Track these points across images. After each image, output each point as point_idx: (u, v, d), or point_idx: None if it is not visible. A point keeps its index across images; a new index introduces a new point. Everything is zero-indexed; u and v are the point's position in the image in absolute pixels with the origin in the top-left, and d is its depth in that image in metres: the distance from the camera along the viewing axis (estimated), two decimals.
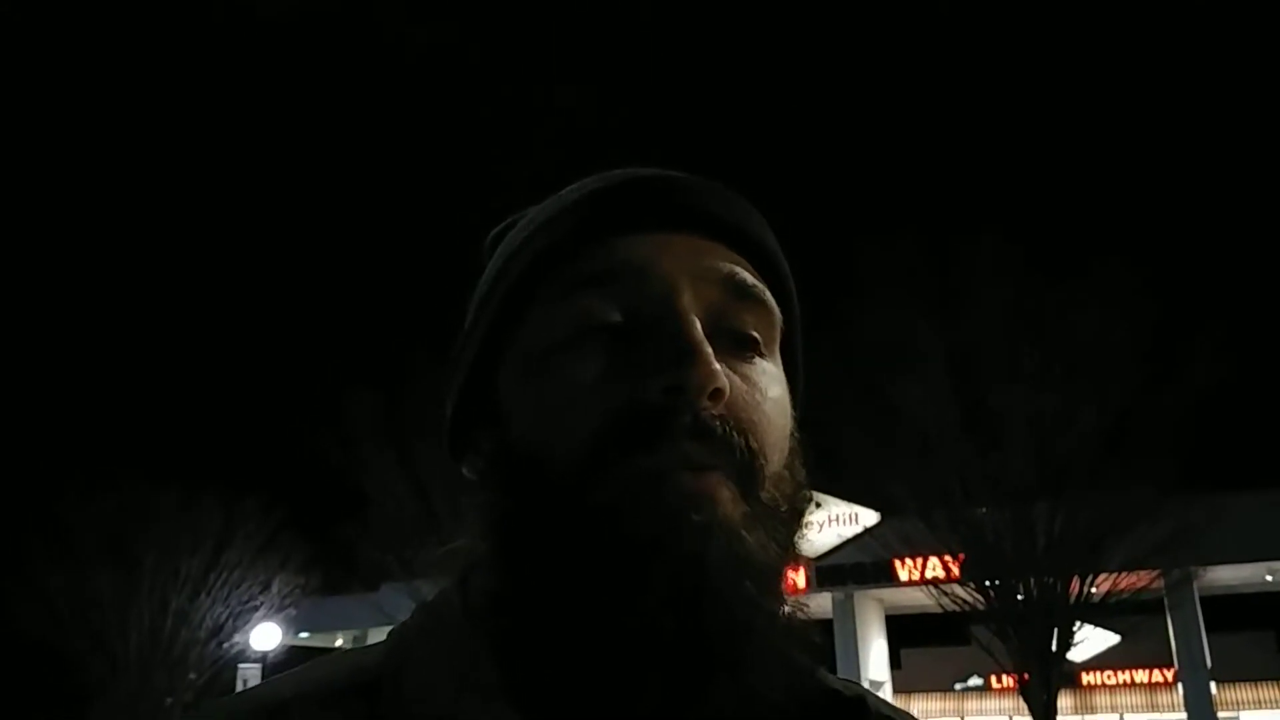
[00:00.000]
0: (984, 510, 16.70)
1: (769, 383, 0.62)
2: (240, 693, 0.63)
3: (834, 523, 22.17)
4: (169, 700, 24.49)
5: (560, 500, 0.56)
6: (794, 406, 0.66)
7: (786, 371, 0.67)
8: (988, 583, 17.01)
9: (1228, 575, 22.05)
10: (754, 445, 0.58)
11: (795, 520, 0.62)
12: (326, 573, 25.94)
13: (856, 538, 21.80)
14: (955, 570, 18.19)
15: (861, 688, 0.68)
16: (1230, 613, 26.41)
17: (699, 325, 0.58)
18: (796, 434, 0.65)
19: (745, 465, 0.57)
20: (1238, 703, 27.48)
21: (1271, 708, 27.66)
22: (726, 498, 0.56)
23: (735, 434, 0.57)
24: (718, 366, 0.56)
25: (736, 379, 0.59)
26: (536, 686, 0.56)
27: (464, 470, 0.68)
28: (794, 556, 0.61)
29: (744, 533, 0.56)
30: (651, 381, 0.56)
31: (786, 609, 0.59)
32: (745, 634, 0.54)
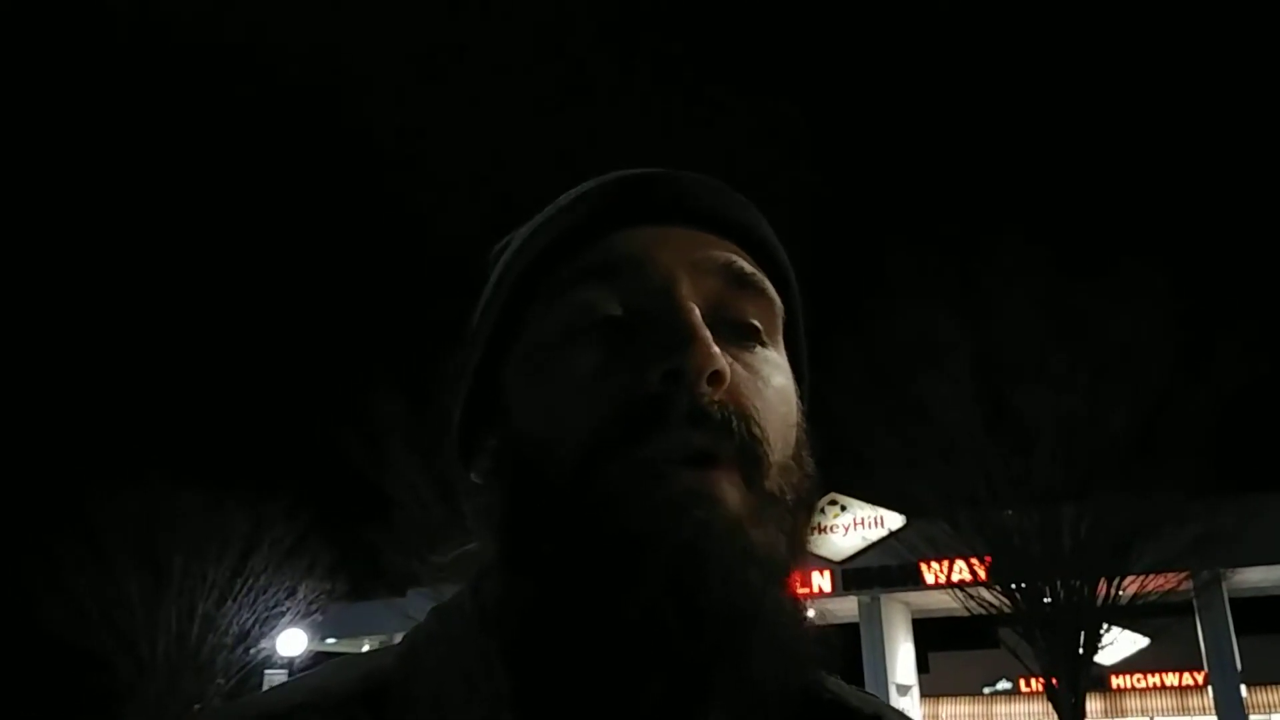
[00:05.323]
0: (1010, 512, 16.57)
1: (771, 371, 0.62)
2: (251, 697, 0.63)
3: (860, 526, 22.13)
4: (196, 706, 24.65)
5: (561, 495, 0.56)
6: (801, 397, 0.66)
7: (791, 361, 0.66)
8: (1015, 585, 16.89)
9: (1257, 577, 21.84)
10: (756, 432, 0.58)
11: (803, 511, 0.61)
12: (353, 578, 26.04)
13: (882, 541, 21.76)
14: (982, 573, 18.08)
15: (879, 703, 0.67)
16: (1261, 614, 26.15)
17: (697, 313, 0.58)
18: (803, 424, 0.64)
19: (747, 451, 0.57)
20: (1269, 705, 27.19)
21: None
22: (730, 493, 0.55)
23: (735, 419, 0.57)
24: (716, 350, 0.56)
25: (738, 366, 0.59)
26: (545, 695, 0.55)
27: (472, 475, 0.67)
28: (804, 549, 0.61)
29: (748, 527, 0.55)
30: (650, 370, 0.55)
31: (794, 603, 0.58)
32: (749, 622, 0.53)
